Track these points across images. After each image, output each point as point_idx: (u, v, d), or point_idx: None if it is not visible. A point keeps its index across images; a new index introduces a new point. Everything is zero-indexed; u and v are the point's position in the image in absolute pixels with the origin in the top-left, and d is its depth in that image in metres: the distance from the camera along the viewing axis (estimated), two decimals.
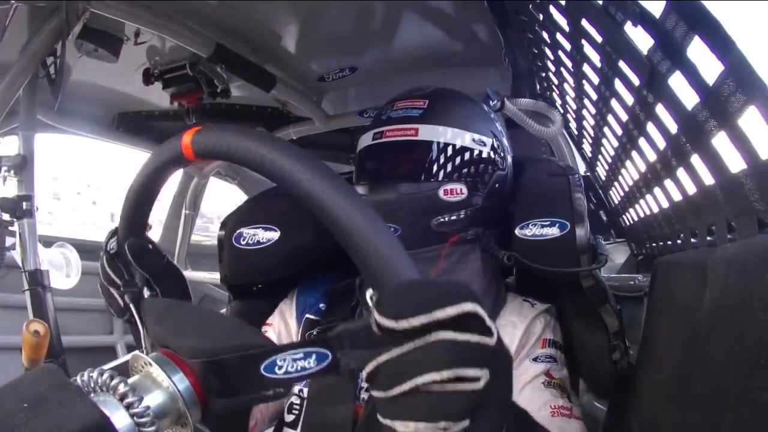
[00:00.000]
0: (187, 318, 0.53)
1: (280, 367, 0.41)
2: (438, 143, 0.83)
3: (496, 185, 0.87)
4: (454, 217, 0.83)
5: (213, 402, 0.46)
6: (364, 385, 0.81)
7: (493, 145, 0.87)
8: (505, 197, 0.89)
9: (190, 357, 0.46)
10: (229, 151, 0.44)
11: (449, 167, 0.84)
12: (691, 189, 0.69)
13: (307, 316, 0.92)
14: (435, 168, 0.83)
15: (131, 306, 0.60)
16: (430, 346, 0.33)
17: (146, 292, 0.61)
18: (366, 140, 0.88)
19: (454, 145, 0.84)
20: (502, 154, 0.89)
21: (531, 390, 0.77)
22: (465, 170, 0.84)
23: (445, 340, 0.33)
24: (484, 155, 0.86)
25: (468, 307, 0.33)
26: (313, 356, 0.40)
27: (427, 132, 0.84)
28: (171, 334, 0.49)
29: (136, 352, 0.50)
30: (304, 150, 0.43)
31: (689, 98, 0.55)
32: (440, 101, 0.87)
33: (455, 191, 0.83)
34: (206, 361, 0.45)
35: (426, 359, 0.33)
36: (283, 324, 0.93)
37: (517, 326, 0.83)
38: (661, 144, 0.73)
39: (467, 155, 0.85)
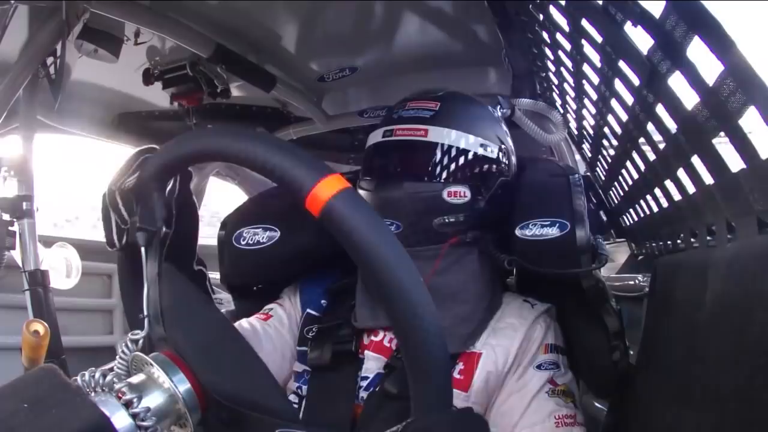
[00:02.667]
0: (215, 340, 0.53)
1: None
2: (446, 145, 0.84)
3: (499, 191, 0.88)
4: (455, 219, 0.84)
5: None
6: (363, 383, 0.81)
7: (499, 151, 0.88)
8: (507, 202, 0.89)
9: (212, 391, 0.46)
10: (350, 243, 0.40)
11: (455, 170, 0.85)
12: (691, 189, 0.69)
13: (308, 311, 0.92)
14: (441, 169, 0.84)
15: (142, 247, 0.55)
16: None
17: (163, 230, 0.56)
18: (376, 137, 0.89)
19: (462, 149, 0.85)
20: (507, 161, 0.90)
21: (537, 402, 0.78)
22: (470, 174, 0.85)
23: None
24: (490, 161, 0.87)
25: None
26: None
27: (436, 134, 0.84)
28: (194, 356, 0.48)
29: (137, 352, 0.50)
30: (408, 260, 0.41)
31: (689, 98, 0.55)
32: (451, 105, 0.88)
33: (459, 193, 0.84)
34: (229, 406, 0.46)
35: None
36: (292, 308, 0.94)
37: (517, 329, 0.83)
38: (661, 144, 0.73)
39: (474, 160, 0.85)
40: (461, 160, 0.85)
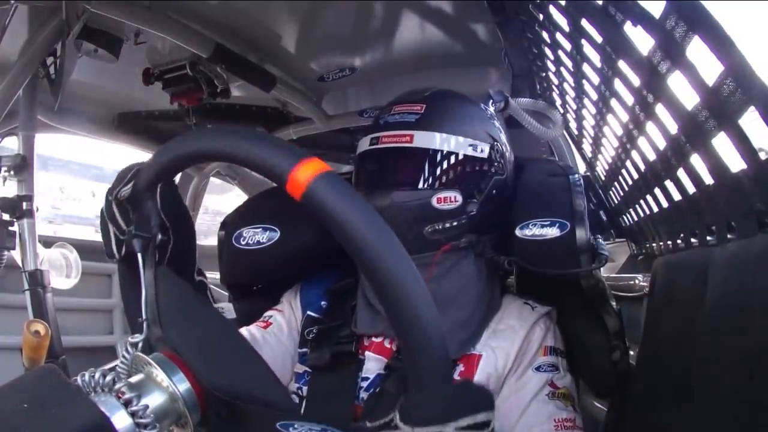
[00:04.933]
0: (212, 338, 0.53)
1: (295, 428, 0.44)
2: (433, 150, 0.83)
3: (494, 191, 0.86)
4: (447, 225, 0.83)
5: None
6: (363, 384, 0.81)
7: (491, 151, 0.86)
8: (505, 201, 0.88)
9: (210, 387, 0.46)
10: (333, 224, 0.40)
11: (443, 175, 0.83)
12: (691, 189, 0.69)
13: (309, 313, 0.92)
14: (428, 175, 0.83)
15: (138, 253, 0.56)
16: None
17: (159, 237, 0.59)
18: (363, 145, 0.88)
19: (449, 153, 0.83)
20: (501, 159, 0.88)
21: (536, 404, 0.78)
22: (460, 177, 0.84)
23: None
24: (481, 161, 0.85)
25: (480, 418, 0.39)
26: None
27: (422, 139, 0.83)
28: (191, 353, 0.48)
29: (137, 352, 0.50)
30: (394, 241, 0.42)
31: (689, 98, 0.55)
32: (438, 105, 0.86)
33: (449, 199, 0.83)
34: (228, 401, 0.46)
35: None
36: (291, 313, 0.94)
37: (517, 331, 0.83)
38: (661, 144, 0.73)
39: (463, 162, 0.84)
40: (449, 163, 0.83)
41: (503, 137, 0.91)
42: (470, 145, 0.84)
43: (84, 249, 1.87)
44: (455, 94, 0.91)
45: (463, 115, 0.88)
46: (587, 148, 1.31)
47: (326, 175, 0.41)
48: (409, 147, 0.83)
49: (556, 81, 1.14)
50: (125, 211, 0.59)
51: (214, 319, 0.56)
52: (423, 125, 0.84)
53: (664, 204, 0.84)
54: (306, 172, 0.41)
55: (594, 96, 0.91)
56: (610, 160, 1.11)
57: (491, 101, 0.95)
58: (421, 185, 0.83)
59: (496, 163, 0.87)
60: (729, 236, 0.61)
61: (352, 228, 0.40)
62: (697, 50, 0.47)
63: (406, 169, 0.84)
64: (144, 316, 0.54)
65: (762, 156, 0.47)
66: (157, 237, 0.58)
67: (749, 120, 0.46)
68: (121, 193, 0.58)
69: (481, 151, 0.85)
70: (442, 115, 0.85)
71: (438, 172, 0.83)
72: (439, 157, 0.83)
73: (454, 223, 0.83)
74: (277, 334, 0.91)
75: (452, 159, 0.83)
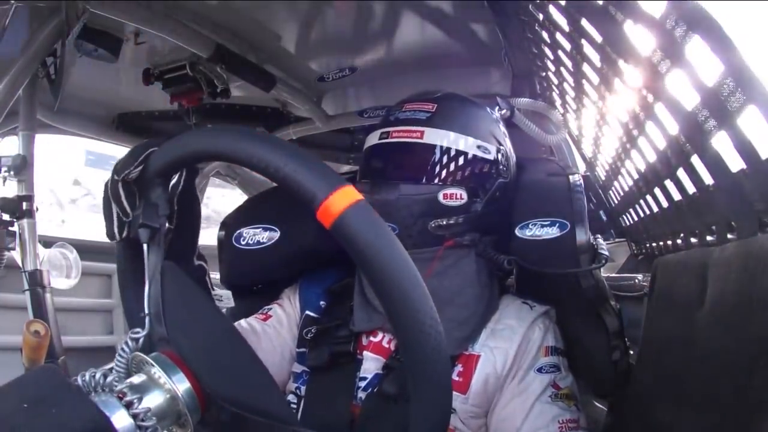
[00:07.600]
0: (217, 343, 0.52)
1: None
2: (442, 147, 0.84)
3: (497, 193, 0.87)
4: (451, 221, 0.84)
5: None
6: (362, 384, 0.81)
7: (497, 153, 0.87)
8: (506, 204, 0.89)
9: (213, 395, 0.46)
10: (360, 255, 0.41)
11: (451, 172, 0.84)
12: (691, 189, 0.69)
13: (307, 312, 0.92)
14: (437, 171, 0.84)
15: (144, 244, 0.54)
16: None
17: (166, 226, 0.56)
18: (372, 139, 0.89)
19: (458, 151, 0.84)
20: (505, 162, 0.89)
21: (540, 406, 0.78)
22: (467, 176, 0.85)
23: None
24: (488, 163, 0.86)
25: None
26: None
27: (432, 135, 0.84)
28: (195, 359, 0.47)
29: (137, 352, 0.49)
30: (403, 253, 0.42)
31: (689, 98, 0.55)
32: (448, 106, 0.88)
33: (455, 196, 0.84)
34: (229, 408, 0.46)
35: None
36: (291, 307, 0.94)
37: (516, 330, 0.83)
38: (661, 144, 0.73)
39: (470, 161, 0.85)
40: (457, 161, 0.84)
41: (508, 142, 0.93)
42: (478, 146, 0.86)
43: (84, 249, 1.87)
44: (465, 98, 0.93)
45: (473, 117, 0.89)
46: (587, 148, 1.31)
47: (358, 206, 0.41)
48: (419, 143, 0.84)
49: (556, 81, 1.14)
50: (132, 192, 0.56)
51: (219, 322, 0.55)
52: (434, 123, 0.85)
53: (664, 204, 0.85)
54: (339, 202, 0.40)
55: (594, 96, 0.91)
56: (610, 160, 1.12)
57: (497, 107, 0.97)
58: (429, 180, 0.84)
59: (501, 166, 0.88)
60: (729, 236, 0.61)
61: (381, 266, 0.41)
62: (697, 50, 0.47)
63: (415, 164, 0.85)
64: (146, 311, 0.52)
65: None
66: (164, 227, 0.55)
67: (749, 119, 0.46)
68: (130, 175, 0.54)
69: (488, 152, 0.87)
70: (452, 115, 0.87)
71: (446, 169, 0.84)
72: (448, 155, 0.84)
73: (459, 220, 0.84)
74: (276, 326, 0.91)
75: (461, 158, 0.84)
